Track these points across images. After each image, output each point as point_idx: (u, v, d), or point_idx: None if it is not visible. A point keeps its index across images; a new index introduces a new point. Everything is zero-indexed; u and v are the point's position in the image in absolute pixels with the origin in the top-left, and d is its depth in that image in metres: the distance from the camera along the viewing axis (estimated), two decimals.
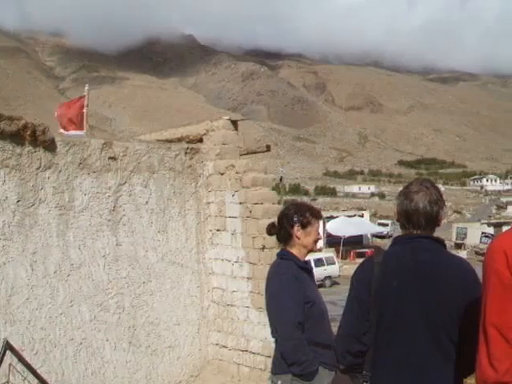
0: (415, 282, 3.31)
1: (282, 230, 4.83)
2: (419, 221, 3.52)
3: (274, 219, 5.08)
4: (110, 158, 8.47)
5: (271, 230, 4.96)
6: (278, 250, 4.96)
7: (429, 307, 3.26)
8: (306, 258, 4.86)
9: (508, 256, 2.77)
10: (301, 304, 4.48)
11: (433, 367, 3.26)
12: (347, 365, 3.77)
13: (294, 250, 4.75)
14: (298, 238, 4.74)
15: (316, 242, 4.90)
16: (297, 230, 4.73)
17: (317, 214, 4.90)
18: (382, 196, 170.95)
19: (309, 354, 4.44)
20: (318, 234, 4.91)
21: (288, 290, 4.50)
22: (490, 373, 2.79)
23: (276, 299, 4.58)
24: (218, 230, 9.10)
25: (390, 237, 76.30)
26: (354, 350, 3.54)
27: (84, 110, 15.04)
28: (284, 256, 4.76)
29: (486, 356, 2.82)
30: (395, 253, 3.50)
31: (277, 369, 4.68)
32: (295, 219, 4.75)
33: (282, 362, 4.54)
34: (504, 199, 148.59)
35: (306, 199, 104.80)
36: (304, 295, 4.54)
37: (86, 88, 15.87)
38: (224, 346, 8.89)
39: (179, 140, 9.63)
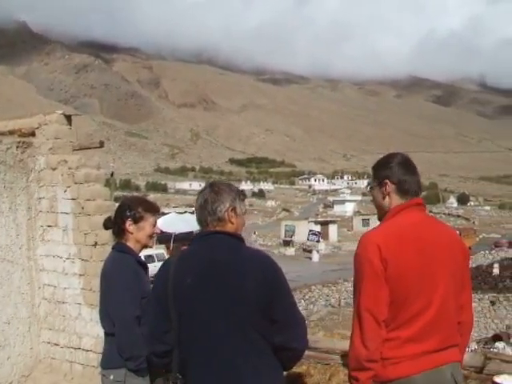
0: (210, 279, 3.30)
1: (115, 224, 4.79)
2: (199, 220, 3.53)
3: (107, 215, 5.05)
4: None
5: (107, 223, 4.93)
6: (113, 243, 4.92)
7: (226, 304, 3.25)
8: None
9: (381, 248, 3.22)
10: (138, 298, 4.48)
11: (241, 363, 3.25)
12: (155, 366, 3.80)
13: (130, 244, 4.70)
14: (131, 233, 4.68)
15: (151, 236, 4.82)
16: (129, 225, 4.67)
17: (151, 209, 4.81)
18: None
19: (145, 350, 4.47)
20: (154, 228, 4.84)
21: (126, 284, 4.47)
22: (362, 351, 3.22)
23: (115, 293, 4.54)
24: (49, 226, 8.88)
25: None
26: (157, 350, 3.50)
27: None
28: (121, 249, 4.69)
29: (359, 336, 3.25)
30: (192, 250, 3.47)
31: (109, 363, 4.59)
32: (127, 214, 4.68)
33: (117, 356, 4.51)
34: (331, 198, 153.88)
35: (136, 195, 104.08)
36: (142, 290, 4.54)
37: None
38: (56, 344, 8.71)
39: (11, 133, 9.35)
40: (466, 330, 3.55)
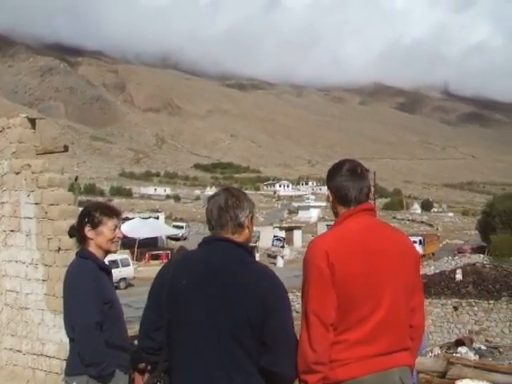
0: (204, 285, 3.32)
1: (76, 231, 4.77)
2: (217, 222, 3.52)
3: (70, 220, 5.03)
4: None
5: (71, 232, 4.91)
6: (76, 250, 4.90)
7: (214, 313, 3.27)
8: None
9: (328, 254, 3.32)
10: (99, 304, 4.44)
11: (218, 377, 3.24)
12: (143, 361, 3.91)
13: (92, 250, 4.69)
14: (91, 239, 4.68)
15: (112, 241, 4.80)
16: (88, 231, 4.67)
17: (109, 213, 4.78)
18: (177, 198, 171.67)
19: (106, 356, 4.42)
20: (115, 233, 4.80)
21: (87, 290, 4.44)
22: (309, 354, 3.31)
23: (74, 298, 4.51)
24: (12, 231, 8.81)
25: (184, 239, 76.89)
26: (146, 346, 3.58)
27: None
28: (83, 255, 4.68)
29: (306, 340, 3.34)
30: (195, 253, 3.52)
31: (72, 370, 4.55)
32: (85, 219, 4.69)
33: (79, 362, 4.47)
34: (295, 204, 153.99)
35: (101, 200, 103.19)
36: (103, 295, 4.51)
37: None
38: (18, 351, 8.62)
39: None
40: (417, 334, 3.61)
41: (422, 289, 3.72)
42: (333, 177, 3.64)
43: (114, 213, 4.88)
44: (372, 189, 3.77)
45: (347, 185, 3.57)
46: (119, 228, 4.90)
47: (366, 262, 3.38)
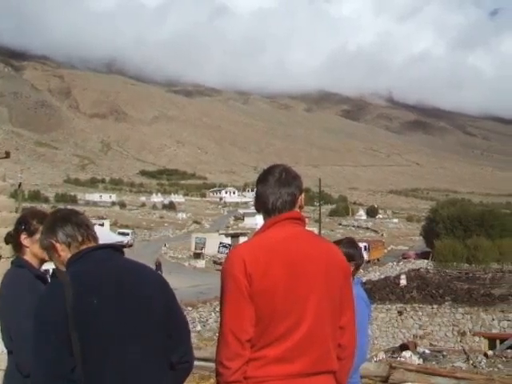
0: (112, 295, 3.05)
1: (12, 238, 4.70)
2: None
3: (11, 228, 4.94)
4: None
5: (7, 238, 4.83)
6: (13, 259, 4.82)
7: (138, 325, 3.04)
8: (46, 268, 4.76)
9: (246, 263, 3.08)
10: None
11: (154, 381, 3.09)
12: None
13: (28, 258, 4.60)
14: (27, 247, 4.54)
15: None
16: (23, 238, 4.53)
17: None
18: (122, 205, 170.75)
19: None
20: None
21: (21, 298, 4.36)
22: (223, 371, 3.09)
23: (9, 307, 4.43)
24: None
25: (130, 246, 76.45)
26: None
27: None
28: (18, 264, 4.54)
29: (221, 356, 3.12)
30: (84, 269, 3.15)
31: (9, 382, 4.52)
32: (22, 227, 4.56)
33: (17, 374, 4.41)
34: (241, 211, 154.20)
35: (45, 207, 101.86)
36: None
37: None
38: None
39: None
40: (348, 355, 3.38)
41: (354, 305, 3.43)
42: (257, 184, 3.45)
43: None
44: (301, 196, 3.60)
45: (267, 192, 3.36)
46: None
47: (287, 273, 3.14)
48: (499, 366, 20.95)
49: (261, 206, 3.39)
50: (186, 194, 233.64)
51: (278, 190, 3.35)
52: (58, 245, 3.38)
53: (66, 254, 3.33)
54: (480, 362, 21.13)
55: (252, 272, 3.07)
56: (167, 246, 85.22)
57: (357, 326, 3.45)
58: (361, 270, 61.53)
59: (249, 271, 3.07)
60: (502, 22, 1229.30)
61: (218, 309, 39.15)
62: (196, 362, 6.24)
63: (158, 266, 54.98)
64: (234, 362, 3.07)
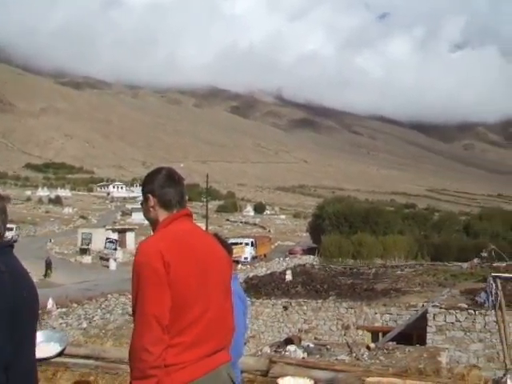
0: (32, 291, 3.30)
1: None
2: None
3: None
4: None
5: None
6: None
7: (36, 318, 3.30)
8: None
9: (163, 254, 3.34)
10: None
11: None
12: None
13: None
14: None
15: None
16: None
17: None
18: (7, 199, 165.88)
19: None
20: None
21: None
22: (147, 357, 3.27)
23: None
24: None
25: (14, 242, 74.25)
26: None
27: None
28: None
29: (142, 343, 3.30)
30: (11, 262, 3.20)
31: None
32: None
33: None
34: (129, 206, 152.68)
35: None
36: None
37: None
38: None
39: None
40: (233, 333, 3.80)
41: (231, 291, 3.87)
42: (154, 182, 3.70)
43: None
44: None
45: (170, 190, 3.67)
46: None
47: (195, 263, 3.48)
48: (381, 357, 21.44)
49: (164, 202, 3.65)
50: (73, 189, 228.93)
51: (179, 189, 3.71)
52: None
53: None
54: (363, 355, 21.55)
55: (169, 261, 3.33)
56: (53, 241, 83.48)
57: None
58: (248, 266, 62.06)
59: (167, 260, 3.32)
60: (390, 26, 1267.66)
61: (104, 305, 38.82)
62: (76, 360, 6.12)
63: (49, 263, 53.79)
64: (157, 347, 3.27)
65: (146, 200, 3.74)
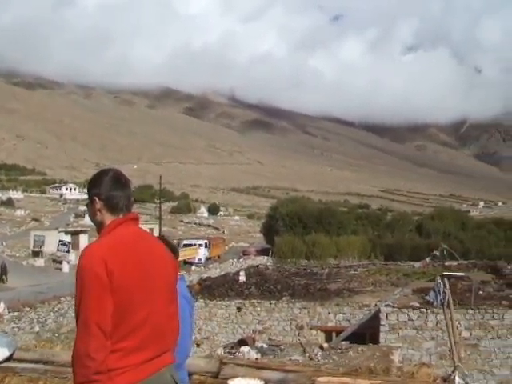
0: None
1: None
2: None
3: None
4: None
5: None
6: None
7: None
8: None
9: (106, 261, 3.33)
10: None
11: None
12: None
13: None
14: None
15: None
16: None
17: None
18: None
19: None
20: None
21: None
22: (90, 363, 3.28)
23: None
24: None
25: None
26: None
27: None
28: None
29: (85, 349, 3.30)
30: None
31: None
32: None
33: None
34: (82, 208, 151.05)
35: None
36: None
37: None
38: None
39: None
40: (177, 337, 3.82)
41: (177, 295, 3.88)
42: (100, 185, 3.67)
43: None
44: None
45: (118, 194, 3.64)
46: None
47: (140, 269, 3.48)
48: (334, 357, 21.64)
49: (111, 206, 3.63)
50: (25, 190, 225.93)
51: (126, 192, 3.70)
52: None
53: None
54: (316, 355, 21.73)
55: (113, 269, 3.33)
56: (4, 244, 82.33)
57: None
58: (201, 267, 61.94)
59: (110, 268, 3.32)
60: (343, 28, 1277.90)
61: (57, 308, 38.38)
62: (24, 365, 6.08)
63: (4, 268, 53.02)
64: (100, 354, 3.28)
65: (91, 202, 3.69)
